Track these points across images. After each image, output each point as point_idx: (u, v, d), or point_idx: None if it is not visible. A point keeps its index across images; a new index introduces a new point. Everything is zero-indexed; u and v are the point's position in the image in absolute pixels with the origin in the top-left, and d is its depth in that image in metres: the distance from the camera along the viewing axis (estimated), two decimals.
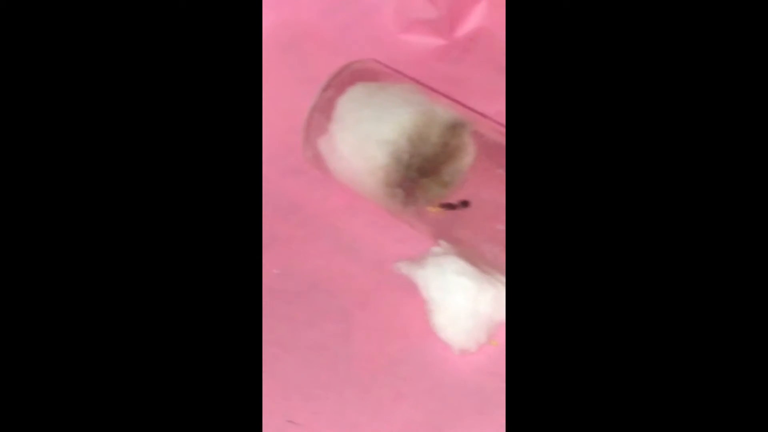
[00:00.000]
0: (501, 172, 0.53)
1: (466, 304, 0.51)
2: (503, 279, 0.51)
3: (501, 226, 0.50)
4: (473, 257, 0.52)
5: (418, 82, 0.60)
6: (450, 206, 0.52)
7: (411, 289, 0.52)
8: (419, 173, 0.53)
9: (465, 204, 0.52)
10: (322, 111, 0.57)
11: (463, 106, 0.58)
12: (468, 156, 0.54)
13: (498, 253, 0.51)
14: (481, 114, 0.58)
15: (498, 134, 0.55)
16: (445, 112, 0.55)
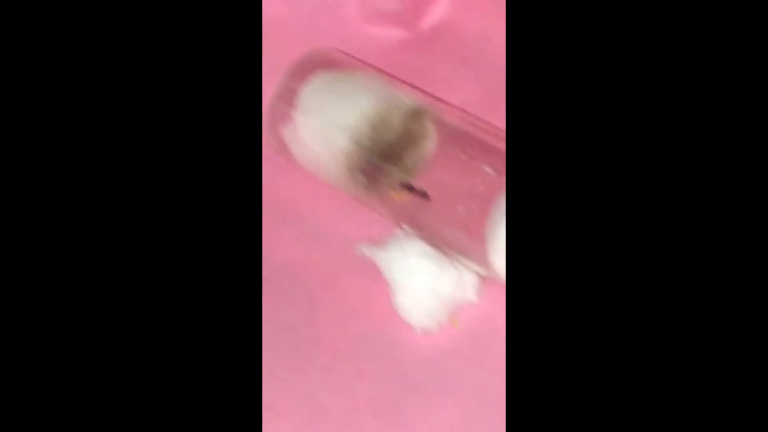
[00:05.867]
0: (463, 158, 0.54)
1: (428, 285, 0.51)
2: (464, 260, 0.52)
3: (462, 209, 0.51)
4: (435, 240, 0.53)
5: (381, 71, 0.61)
6: (410, 188, 0.53)
7: (374, 272, 0.53)
8: (382, 159, 0.54)
9: (424, 195, 0.53)
10: (286, 99, 0.57)
11: (426, 94, 0.59)
12: (430, 142, 0.55)
13: (459, 235, 0.52)
14: (444, 102, 0.59)
15: (461, 121, 0.56)
16: (407, 99, 0.56)
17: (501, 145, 0.54)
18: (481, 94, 0.64)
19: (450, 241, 0.52)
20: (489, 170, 0.52)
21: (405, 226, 0.55)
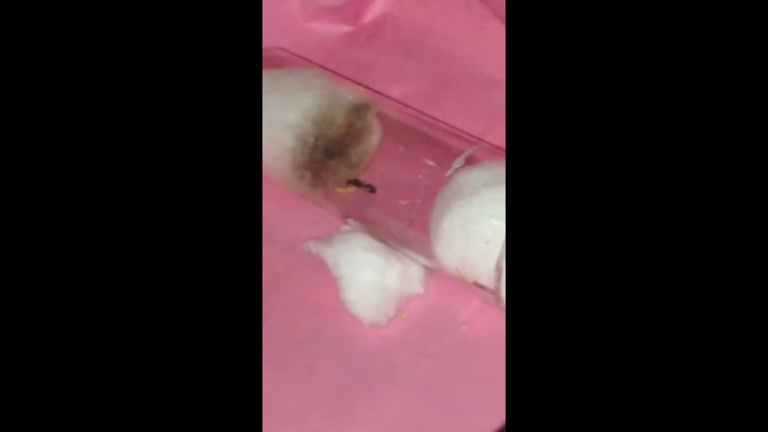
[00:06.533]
0: (405, 151, 0.55)
1: (375, 279, 0.52)
2: (409, 253, 0.53)
3: (404, 202, 0.52)
4: (381, 234, 0.54)
5: (324, 68, 0.61)
6: (357, 183, 0.54)
7: (322, 268, 0.54)
8: (326, 155, 0.54)
9: (372, 189, 0.54)
10: None
11: (368, 88, 0.60)
12: (374, 136, 0.55)
13: (404, 228, 0.52)
14: (386, 96, 0.59)
15: (403, 115, 0.57)
16: (349, 94, 0.56)
17: (443, 137, 0.55)
18: (423, 87, 0.64)
19: (395, 234, 0.53)
20: (431, 163, 0.52)
21: (351, 221, 0.55)
